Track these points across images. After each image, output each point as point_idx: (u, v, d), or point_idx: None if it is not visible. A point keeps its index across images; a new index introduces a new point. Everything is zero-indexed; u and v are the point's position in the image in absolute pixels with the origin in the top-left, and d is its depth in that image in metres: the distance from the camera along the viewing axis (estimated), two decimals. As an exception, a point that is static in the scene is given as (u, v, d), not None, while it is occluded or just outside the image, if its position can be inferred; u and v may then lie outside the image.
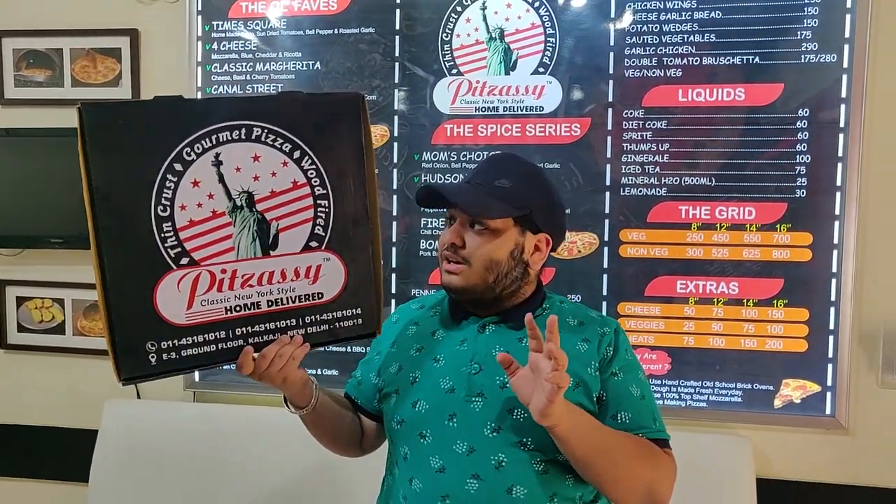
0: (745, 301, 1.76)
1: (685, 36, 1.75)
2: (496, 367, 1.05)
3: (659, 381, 1.80)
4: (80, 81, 2.01)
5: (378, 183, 1.09)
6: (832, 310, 1.72)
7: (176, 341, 0.94)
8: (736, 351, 1.76)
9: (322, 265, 1.03)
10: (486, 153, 1.85)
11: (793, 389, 1.75)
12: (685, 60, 1.76)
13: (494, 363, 1.05)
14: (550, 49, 1.81)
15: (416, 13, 1.86)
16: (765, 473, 1.75)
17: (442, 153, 1.86)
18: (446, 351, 1.11)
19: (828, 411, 1.73)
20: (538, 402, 0.91)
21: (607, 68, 1.79)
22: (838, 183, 1.71)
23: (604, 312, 1.77)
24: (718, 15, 1.74)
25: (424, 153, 1.87)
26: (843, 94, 1.70)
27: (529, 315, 0.96)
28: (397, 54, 1.88)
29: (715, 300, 1.77)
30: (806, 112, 1.72)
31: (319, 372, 1.92)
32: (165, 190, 0.93)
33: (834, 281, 1.72)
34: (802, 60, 1.71)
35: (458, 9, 1.84)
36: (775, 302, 1.75)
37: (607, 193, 1.80)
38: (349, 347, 1.85)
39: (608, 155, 1.79)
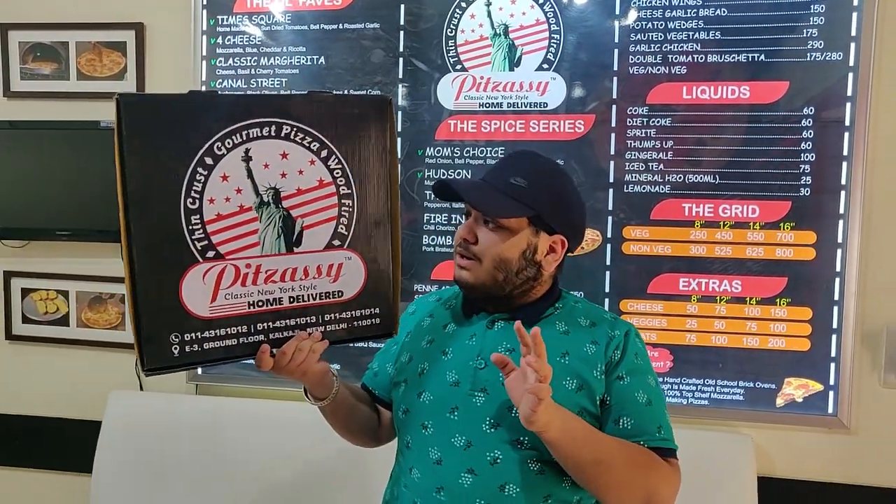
0: (747, 299, 1.75)
1: (690, 33, 1.75)
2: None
3: (661, 379, 1.79)
4: (85, 75, 2.02)
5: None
6: (835, 309, 1.72)
7: (199, 333, 0.96)
8: (738, 349, 1.76)
9: (344, 264, 1.05)
10: (489, 149, 1.85)
11: (795, 388, 1.75)
12: (690, 58, 1.75)
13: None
14: (555, 46, 1.80)
15: (421, 9, 1.86)
16: (766, 472, 1.75)
17: (445, 149, 1.86)
18: (455, 344, 1.12)
19: (830, 410, 1.73)
20: (523, 408, 0.92)
21: (611, 65, 1.78)
22: (843, 182, 1.70)
23: (606, 309, 1.77)
24: (724, 12, 1.73)
25: (428, 149, 1.87)
26: (849, 93, 1.69)
27: (518, 323, 0.95)
28: (401, 50, 1.88)
29: (718, 298, 1.77)
30: (811, 110, 1.71)
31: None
32: (196, 183, 0.94)
33: (837, 280, 1.71)
34: (808, 58, 1.70)
35: (463, 4, 1.84)
36: (778, 300, 1.74)
37: (610, 190, 1.79)
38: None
39: (612, 152, 1.79)
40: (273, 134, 0.99)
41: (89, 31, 2.00)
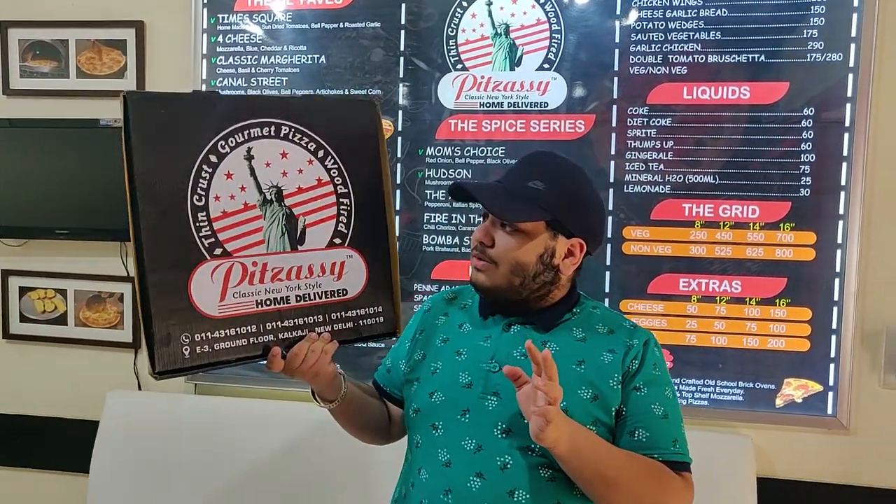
0: (747, 300, 1.75)
1: (691, 33, 1.75)
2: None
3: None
4: (85, 73, 2.01)
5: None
6: (835, 309, 1.72)
7: (209, 334, 0.95)
8: (738, 349, 1.76)
9: (346, 262, 1.06)
10: (490, 149, 1.85)
11: (794, 389, 1.75)
12: (690, 58, 1.75)
13: (514, 363, 1.04)
14: (556, 45, 1.80)
15: (421, 8, 1.86)
16: (766, 473, 1.75)
17: (446, 148, 1.86)
18: (469, 345, 1.11)
19: (829, 411, 1.73)
20: (532, 427, 0.91)
21: (612, 65, 1.79)
22: (843, 182, 1.70)
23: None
24: (724, 13, 1.73)
25: (428, 148, 1.87)
26: (849, 94, 1.69)
27: (529, 342, 0.94)
28: (402, 49, 1.88)
29: (717, 298, 1.77)
30: (811, 111, 1.71)
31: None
32: (201, 180, 0.95)
33: (837, 280, 1.71)
34: (808, 59, 1.71)
35: (464, 4, 1.84)
36: (778, 301, 1.74)
37: (611, 190, 1.79)
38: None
39: (612, 152, 1.79)
40: (273, 134, 1.00)
41: (89, 28, 2.00)
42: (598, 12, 1.79)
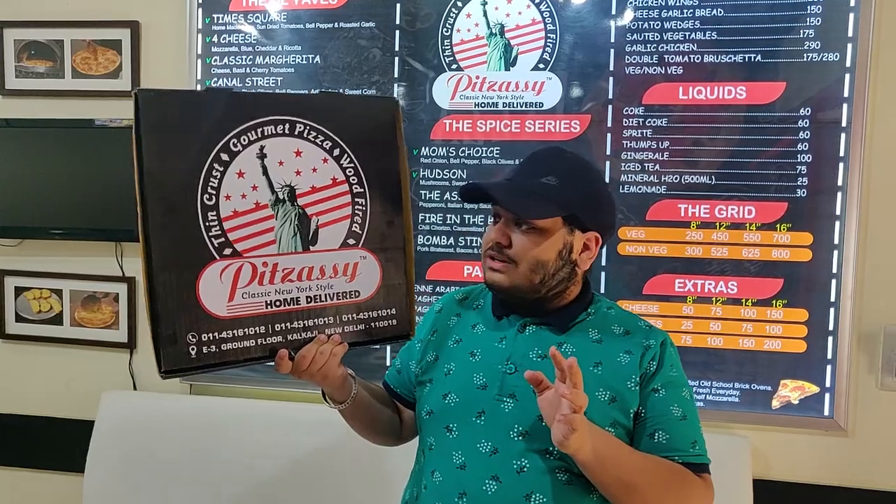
0: (743, 301, 1.75)
1: (686, 33, 1.74)
2: (531, 370, 1.03)
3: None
4: (80, 73, 2.01)
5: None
6: (832, 310, 1.71)
7: (216, 334, 0.94)
8: (734, 351, 1.75)
9: (359, 263, 1.04)
10: (485, 149, 1.84)
11: (791, 390, 1.74)
12: (686, 58, 1.74)
13: (530, 366, 1.03)
14: (551, 45, 1.80)
15: (417, 8, 1.85)
16: (762, 474, 1.74)
17: (441, 148, 1.86)
18: (484, 346, 1.09)
19: (826, 412, 1.72)
20: (555, 433, 0.90)
21: (607, 65, 1.78)
22: (839, 183, 1.69)
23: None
24: (720, 12, 1.72)
25: (423, 148, 1.87)
26: (846, 94, 1.68)
27: (554, 348, 0.92)
28: (397, 49, 1.87)
29: (714, 299, 1.76)
30: (808, 111, 1.70)
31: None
32: (212, 179, 0.94)
33: (834, 281, 1.70)
34: (805, 59, 1.70)
35: (459, 4, 1.83)
36: (774, 302, 1.73)
37: (606, 191, 1.78)
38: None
39: (607, 152, 1.78)
40: (287, 132, 0.99)
41: (84, 28, 2.00)
42: (594, 12, 1.78)
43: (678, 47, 1.75)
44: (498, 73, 1.82)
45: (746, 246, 1.74)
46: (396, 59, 1.87)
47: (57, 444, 2.07)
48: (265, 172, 0.97)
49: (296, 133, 0.99)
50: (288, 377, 1.02)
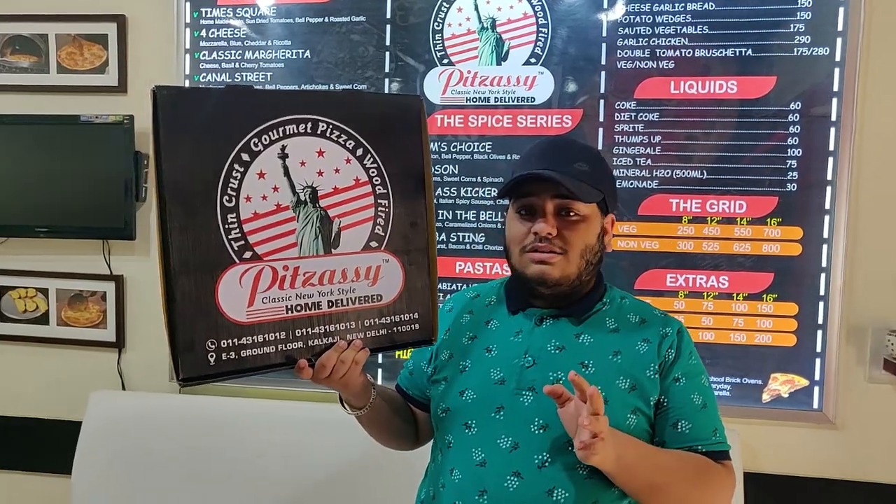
0: (734, 295, 1.75)
1: (678, 27, 1.74)
2: (550, 363, 1.03)
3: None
4: (65, 68, 1.98)
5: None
6: (821, 304, 1.72)
7: (236, 340, 0.91)
8: (725, 345, 1.76)
9: (381, 266, 1.01)
10: (477, 144, 1.83)
11: (781, 384, 1.75)
12: (678, 52, 1.75)
13: (549, 358, 1.03)
14: (542, 39, 1.79)
15: (408, 2, 1.84)
16: (752, 467, 1.75)
17: (433, 144, 1.84)
18: (500, 341, 1.09)
19: (815, 406, 1.73)
20: (577, 452, 0.90)
21: (599, 59, 1.78)
22: (829, 177, 1.70)
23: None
24: (711, 6, 1.73)
25: (415, 144, 1.85)
26: (836, 88, 1.69)
27: (573, 373, 0.92)
28: (388, 44, 1.86)
29: (705, 294, 1.76)
30: (798, 105, 1.71)
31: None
32: (232, 180, 0.91)
33: (823, 275, 1.72)
34: (795, 53, 1.70)
35: (450, -2, 1.82)
36: (765, 296, 1.74)
37: (598, 186, 1.78)
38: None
39: (599, 147, 1.78)
40: (309, 131, 0.96)
41: (70, 23, 1.97)
42: (585, 6, 1.78)
43: (670, 41, 1.75)
44: (489, 68, 1.81)
45: (737, 240, 1.75)
46: (388, 53, 1.86)
47: (44, 445, 2.04)
48: (286, 173, 0.94)
49: (318, 132, 0.96)
50: (289, 376, 1.00)
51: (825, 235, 1.71)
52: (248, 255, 0.92)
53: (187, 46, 1.94)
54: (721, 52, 1.73)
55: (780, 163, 1.72)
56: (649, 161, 1.77)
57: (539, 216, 1.04)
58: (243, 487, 1.80)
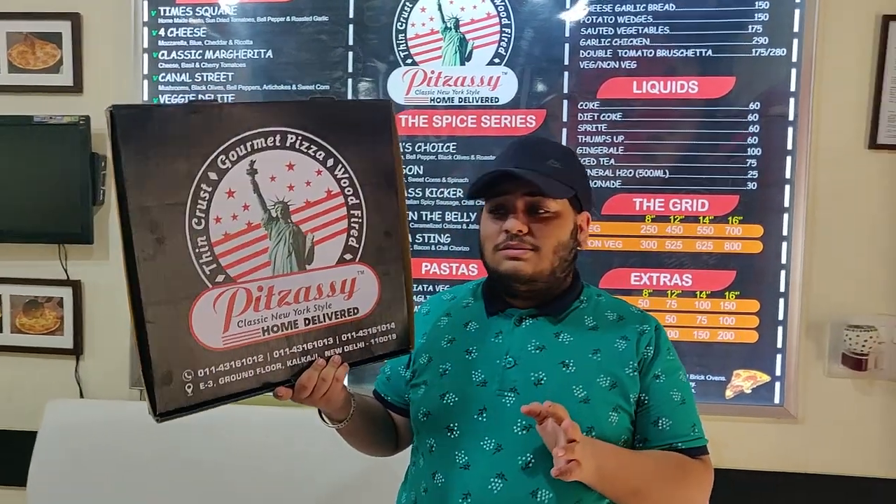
0: (698, 293, 1.77)
1: (640, 28, 1.76)
2: (531, 363, 1.03)
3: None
4: (17, 67, 1.92)
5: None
6: (781, 301, 1.75)
7: (213, 368, 0.88)
8: (689, 342, 1.78)
9: (357, 279, 0.98)
10: (441, 144, 1.83)
11: (744, 380, 1.77)
12: (640, 52, 1.76)
13: (530, 358, 1.03)
14: (506, 40, 1.79)
15: (370, 2, 1.82)
16: (716, 463, 1.70)
17: (397, 144, 1.83)
18: (480, 343, 1.08)
19: (777, 401, 1.76)
20: (555, 469, 0.90)
21: (562, 60, 1.78)
22: (787, 176, 1.73)
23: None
24: (672, 7, 1.75)
25: (379, 144, 1.84)
26: (793, 88, 1.72)
27: (548, 403, 0.92)
28: (351, 43, 1.84)
29: (669, 292, 1.78)
30: (757, 105, 1.73)
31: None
32: (200, 201, 0.86)
33: (783, 273, 1.75)
34: (753, 54, 1.73)
35: (413, -3, 1.81)
36: (727, 294, 1.77)
37: (563, 185, 1.79)
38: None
39: (564, 147, 1.79)
40: (278, 144, 0.92)
41: (21, 21, 1.91)
42: (548, 6, 1.78)
43: (632, 42, 1.76)
44: (453, 68, 1.81)
45: (700, 239, 1.77)
46: (350, 53, 1.84)
47: (-2, 456, 1.98)
48: (256, 189, 0.90)
49: (287, 145, 0.92)
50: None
51: (784, 233, 1.74)
52: (220, 278, 0.88)
53: (145, 46, 1.89)
54: (682, 53, 1.75)
55: (741, 162, 1.75)
56: (612, 161, 1.78)
57: (511, 214, 1.04)
58: (206, 495, 1.76)
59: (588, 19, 1.77)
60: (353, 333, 0.99)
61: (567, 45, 1.78)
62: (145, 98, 1.88)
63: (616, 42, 1.77)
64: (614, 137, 1.78)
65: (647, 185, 1.77)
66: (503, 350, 1.06)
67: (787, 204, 1.74)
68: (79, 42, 1.90)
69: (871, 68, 1.71)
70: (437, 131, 1.82)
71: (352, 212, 0.98)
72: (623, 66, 1.77)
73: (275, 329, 0.92)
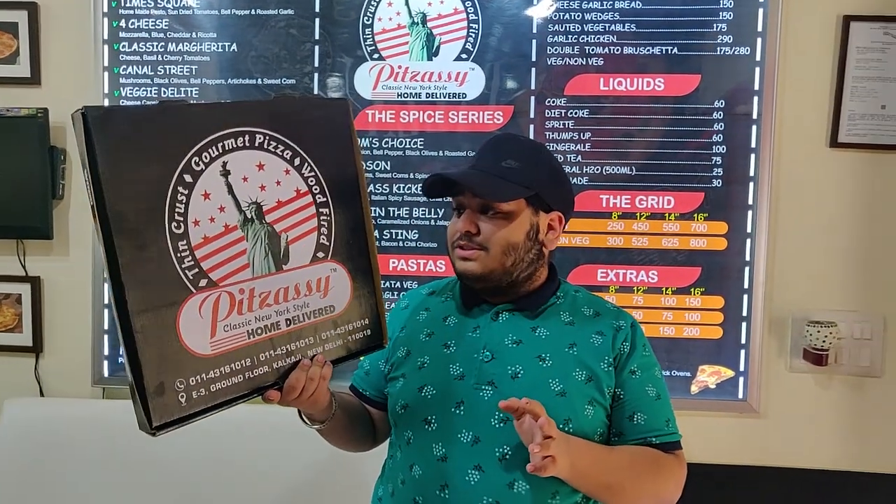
0: (663, 289, 1.79)
1: (606, 25, 1.76)
2: (508, 357, 1.04)
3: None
4: (-28, 58, 1.87)
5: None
6: (745, 297, 1.77)
7: (204, 375, 0.86)
8: (655, 338, 1.79)
9: (330, 276, 0.99)
10: (408, 140, 1.81)
11: (708, 375, 1.79)
12: (607, 49, 1.76)
13: (507, 352, 1.04)
14: (473, 35, 1.78)
15: (337, -5, 1.80)
16: (681, 458, 1.78)
17: (363, 140, 1.82)
18: (458, 337, 1.09)
19: (740, 396, 1.78)
20: (530, 465, 0.91)
21: (530, 56, 1.78)
22: (751, 174, 1.75)
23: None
24: (639, 5, 1.75)
25: (346, 139, 1.82)
26: (756, 87, 1.74)
27: (526, 399, 0.93)
28: (317, 37, 1.82)
29: (635, 288, 1.79)
30: (721, 103, 1.75)
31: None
32: (178, 204, 0.85)
33: (747, 269, 1.77)
34: (718, 52, 1.74)
35: (380, -9, 1.79)
36: (693, 290, 1.78)
37: (530, 182, 1.79)
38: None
39: (531, 143, 1.78)
40: (247, 144, 0.91)
41: (-24, 10, 1.86)
42: (516, 3, 1.77)
43: (599, 39, 1.76)
44: (420, 63, 1.79)
45: (666, 235, 1.78)
46: (317, 47, 1.82)
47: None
48: (230, 191, 0.89)
49: (256, 144, 0.92)
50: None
51: (748, 230, 1.76)
52: (203, 282, 0.87)
53: (105, 37, 1.85)
54: (648, 50, 1.75)
55: (706, 159, 1.76)
56: (579, 157, 1.78)
57: (464, 214, 1.06)
58: (168, 493, 1.74)
59: (555, 16, 1.77)
60: (332, 331, 1.00)
61: (534, 42, 1.78)
62: (106, 91, 1.84)
63: (583, 39, 1.77)
64: (581, 134, 1.78)
65: (614, 182, 1.78)
66: (481, 344, 1.07)
67: (750, 201, 1.75)
68: (36, 32, 1.85)
69: (832, 68, 1.74)
70: (405, 126, 1.81)
71: (320, 210, 0.99)
72: (590, 63, 1.77)
73: (259, 332, 0.92)
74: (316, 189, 0.98)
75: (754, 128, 1.74)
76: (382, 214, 1.83)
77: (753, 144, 1.74)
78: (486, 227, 1.04)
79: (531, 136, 1.78)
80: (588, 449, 1.00)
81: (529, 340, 1.06)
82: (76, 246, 1.89)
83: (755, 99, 1.74)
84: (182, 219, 0.85)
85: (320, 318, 0.98)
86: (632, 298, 1.79)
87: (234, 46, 1.84)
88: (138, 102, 1.85)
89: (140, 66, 1.86)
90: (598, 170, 1.78)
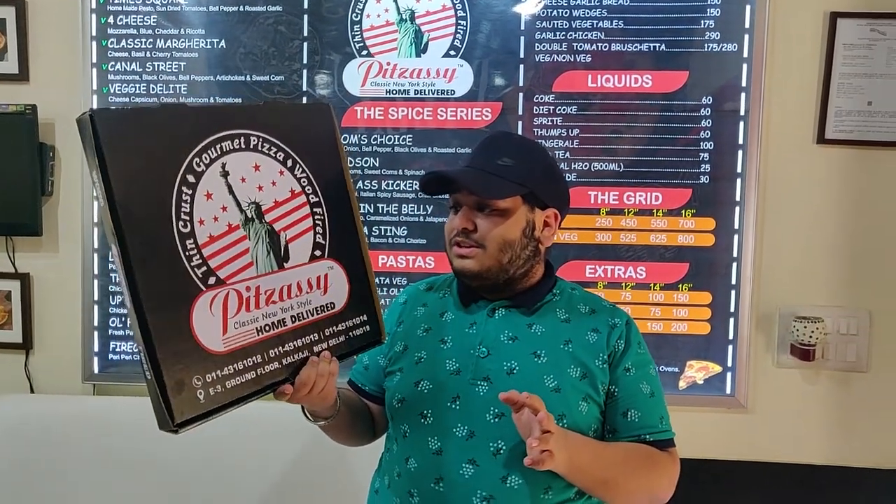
0: (651, 285, 1.79)
1: (594, 21, 1.76)
2: (504, 353, 1.06)
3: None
4: (-41, 54, 1.86)
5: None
6: (733, 293, 1.78)
7: (219, 372, 0.88)
8: (643, 334, 1.75)
9: (328, 274, 1.02)
10: (397, 136, 1.82)
11: (696, 371, 1.80)
12: (595, 46, 1.77)
13: (503, 348, 1.06)
14: (461, 32, 1.78)
15: (325, -9, 1.80)
16: (669, 452, 1.79)
17: (352, 136, 1.82)
18: (454, 333, 1.11)
19: (728, 391, 1.79)
20: (527, 459, 0.92)
21: (518, 53, 1.78)
22: (738, 170, 1.76)
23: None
24: (626, 2, 1.75)
25: (334, 136, 1.82)
26: (744, 83, 1.74)
27: (526, 394, 0.94)
28: (305, 34, 1.82)
29: (623, 284, 1.80)
30: (709, 100, 1.75)
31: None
32: (183, 204, 0.87)
33: (735, 265, 1.77)
34: (706, 49, 1.75)
35: (369, -12, 1.79)
36: (681, 286, 1.79)
37: (519, 179, 1.79)
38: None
39: (519, 140, 1.78)
40: (243, 146, 0.95)
41: (-37, 6, 1.85)
42: (504, -1, 1.78)
43: (587, 35, 1.77)
44: (409, 60, 1.79)
45: (654, 231, 1.79)
46: (305, 44, 1.82)
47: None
48: (231, 191, 0.92)
49: (251, 146, 0.96)
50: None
51: (736, 226, 1.77)
52: (212, 280, 0.89)
53: (94, 33, 1.85)
54: (636, 47, 1.76)
55: (694, 156, 1.77)
56: (568, 154, 1.79)
57: (461, 211, 1.08)
58: (161, 490, 1.74)
59: (543, 13, 1.77)
60: (334, 328, 1.02)
61: (523, 39, 1.78)
62: (94, 87, 1.84)
63: (571, 36, 1.77)
64: (569, 131, 1.78)
65: (602, 179, 1.79)
66: (477, 340, 1.08)
67: (738, 197, 1.76)
68: (24, 29, 1.85)
69: (819, 64, 1.74)
70: (394, 123, 1.81)
71: (314, 209, 1.02)
72: (578, 60, 1.77)
73: (267, 329, 0.94)
74: (309, 189, 1.02)
75: (742, 124, 1.75)
76: (371, 211, 1.83)
77: (741, 141, 1.75)
78: (483, 225, 1.06)
79: (519, 132, 1.79)
80: (585, 444, 1.01)
81: (525, 337, 1.07)
82: (65, 242, 1.89)
83: (742, 95, 1.74)
84: (188, 218, 0.88)
85: (322, 315, 1.01)
86: (620, 294, 1.80)
87: (222, 43, 1.84)
88: (126, 99, 1.85)
89: (128, 63, 1.86)
90: (586, 166, 1.79)
